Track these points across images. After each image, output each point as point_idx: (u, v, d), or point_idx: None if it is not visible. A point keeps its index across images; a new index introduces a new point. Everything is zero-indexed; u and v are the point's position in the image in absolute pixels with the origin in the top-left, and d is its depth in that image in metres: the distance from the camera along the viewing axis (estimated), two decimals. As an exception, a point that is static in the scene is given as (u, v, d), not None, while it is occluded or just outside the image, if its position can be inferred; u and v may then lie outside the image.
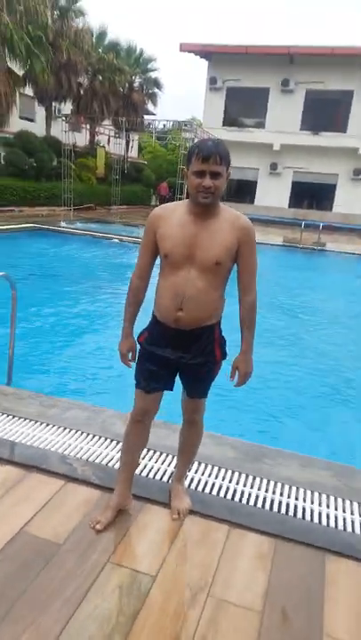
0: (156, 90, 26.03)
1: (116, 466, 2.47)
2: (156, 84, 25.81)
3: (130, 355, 2.08)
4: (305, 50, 21.06)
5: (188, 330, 1.92)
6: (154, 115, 28.73)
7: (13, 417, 2.89)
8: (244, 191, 25.64)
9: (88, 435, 2.77)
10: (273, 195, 24.68)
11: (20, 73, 17.55)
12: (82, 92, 22.31)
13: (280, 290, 9.18)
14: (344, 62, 21.18)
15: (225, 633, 1.60)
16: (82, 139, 23.74)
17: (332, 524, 2.17)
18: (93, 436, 2.77)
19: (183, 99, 60.63)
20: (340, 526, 2.15)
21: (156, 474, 2.46)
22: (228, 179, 1.84)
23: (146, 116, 26.71)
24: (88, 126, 22.40)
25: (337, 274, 12.75)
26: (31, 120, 22.55)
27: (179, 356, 1.96)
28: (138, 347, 2.07)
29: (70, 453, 2.56)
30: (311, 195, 24.56)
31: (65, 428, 2.81)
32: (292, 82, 22.38)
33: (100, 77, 22.28)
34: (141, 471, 2.45)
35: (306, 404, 4.28)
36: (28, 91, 19.73)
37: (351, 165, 23.03)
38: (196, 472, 2.50)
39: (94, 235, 14.03)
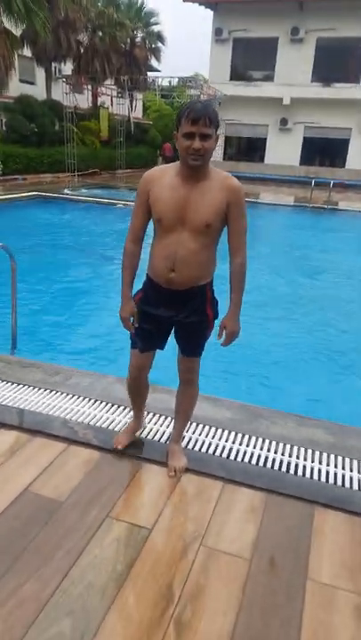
0: (159, 44, 24.99)
1: (117, 428, 2.59)
2: (160, 38, 24.74)
3: (131, 319, 2.13)
4: (315, -6, 19.88)
5: (180, 290, 1.99)
6: (158, 71, 27.71)
7: (18, 384, 2.99)
8: (253, 149, 24.94)
9: (90, 400, 2.87)
10: (283, 152, 23.94)
11: (18, 33, 16.96)
12: (82, 50, 21.53)
13: (285, 250, 9.09)
14: (357, 6, 19.98)
15: (215, 578, 1.72)
16: (84, 100, 23.08)
17: (323, 478, 2.25)
18: (95, 401, 2.86)
19: (189, 53, 58.09)
20: (331, 480, 2.24)
21: (155, 435, 2.55)
22: (217, 140, 1.86)
23: (150, 73, 25.77)
24: (90, 87, 21.71)
25: (349, 233, 12.51)
26: (31, 83, 21.93)
27: (172, 315, 2.05)
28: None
29: (73, 418, 2.67)
30: (323, 151, 23.80)
31: (68, 394, 2.91)
32: (303, 30, 21.28)
33: (101, 33, 21.42)
34: (140, 433, 2.55)
35: (309, 365, 4.33)
36: (27, 52, 19.11)
37: (364, 118, 22.14)
38: (193, 432, 2.59)
39: (99, 201, 13.88)
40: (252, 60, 23.47)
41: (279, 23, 21.48)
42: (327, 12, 20.54)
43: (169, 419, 2.69)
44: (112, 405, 2.82)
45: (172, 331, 2.16)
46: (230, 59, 23.24)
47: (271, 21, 21.59)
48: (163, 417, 2.71)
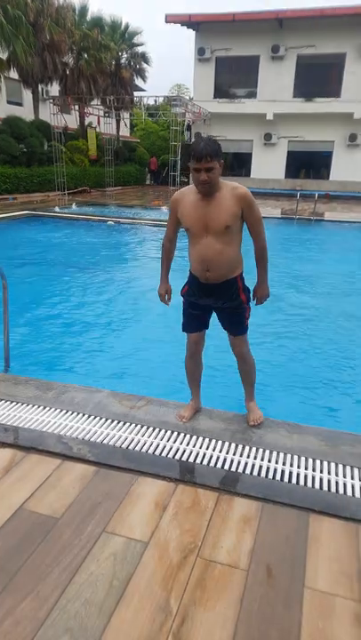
0: (144, 65, 25.43)
1: (111, 442, 2.59)
2: (144, 58, 25.20)
3: (167, 296, 2.77)
4: (294, 13, 20.43)
5: (217, 283, 2.52)
6: (144, 90, 28.17)
7: (11, 402, 2.98)
8: (239, 164, 25.29)
9: (84, 415, 2.87)
10: (269, 166, 24.33)
11: (4, 56, 17.21)
12: (68, 72, 21.85)
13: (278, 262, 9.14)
14: (334, 23, 20.58)
15: (212, 590, 1.71)
16: (72, 120, 23.40)
17: (317, 485, 2.26)
18: (89, 416, 2.86)
19: (173, 72, 59.16)
20: (325, 487, 2.24)
21: (148, 448, 2.55)
22: (222, 166, 2.33)
23: (135, 93, 26.19)
24: (77, 107, 22.00)
25: (333, 244, 12.67)
26: (19, 104, 22.20)
27: (212, 302, 2.62)
28: (181, 298, 2.73)
29: (67, 433, 2.66)
30: (307, 164, 24.20)
31: (61, 410, 2.91)
32: (283, 47, 21.80)
33: (86, 55, 21.77)
34: (135, 446, 2.55)
35: (301, 374, 4.36)
36: (13, 74, 19.35)
37: (347, 131, 22.60)
38: (187, 444, 2.59)
39: (90, 218, 13.97)
40: (235, 77, 23.97)
41: (260, 41, 22.02)
42: (306, 29, 21.11)
43: (163, 431, 2.70)
44: (106, 420, 2.82)
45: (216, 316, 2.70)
46: (214, 77, 23.70)
47: (252, 40, 22.12)
48: (155, 429, 2.72)
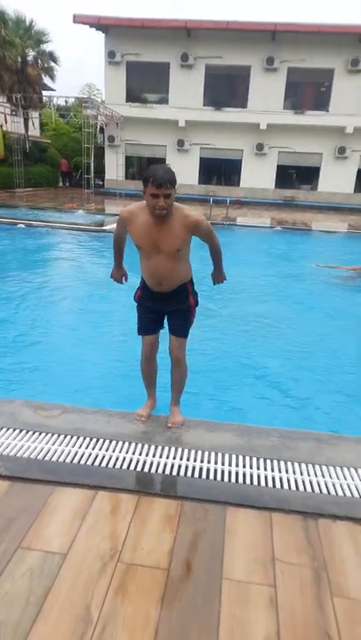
0: (52, 64, 24.70)
1: (25, 455, 2.48)
2: (52, 57, 24.43)
3: (123, 278, 2.99)
4: (200, 24, 21.09)
5: (168, 291, 2.71)
6: (53, 90, 27.36)
7: None
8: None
9: (-5, 428, 2.72)
10: (182, 172, 24.77)
11: None
12: (-30, 66, 20.61)
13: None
14: (240, 37, 21.56)
15: (133, 593, 1.71)
16: (-25, 118, 22.10)
17: (233, 479, 2.35)
18: (1, 428, 2.72)
19: (85, 73, 58.24)
20: (240, 481, 2.34)
21: (66, 458, 2.48)
22: (175, 192, 2.42)
23: (45, 92, 25.36)
24: (-19, 104, 20.83)
25: (245, 247, 13.27)
26: None
27: (163, 306, 2.79)
28: (135, 302, 2.89)
29: (-24, 449, 2.51)
30: (219, 171, 25.07)
31: (-31, 424, 2.73)
32: (192, 56, 22.39)
33: (-11, 50, 20.68)
34: (52, 457, 2.47)
35: (217, 375, 4.50)
36: None
37: (255, 140, 23.75)
38: (107, 450, 2.56)
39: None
40: (146, 82, 24.16)
41: (170, 49, 22.43)
42: (213, 40, 21.89)
43: (81, 438, 2.65)
44: (20, 431, 2.70)
45: (165, 319, 2.87)
46: (125, 81, 23.71)
47: (162, 47, 22.47)
48: (73, 438, 2.65)
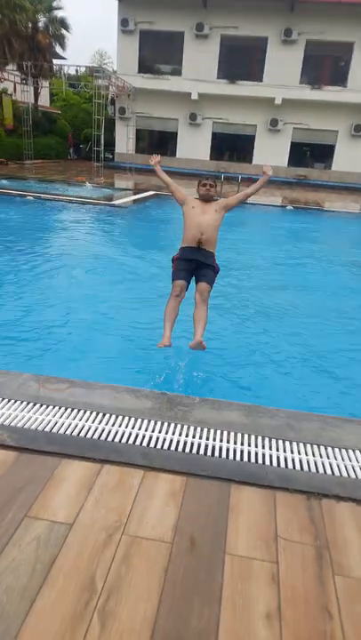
0: (63, 31, 24.09)
1: (33, 426, 2.51)
2: (63, 24, 23.86)
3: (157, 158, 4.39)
4: (218, -8, 20.37)
5: (203, 248, 3.86)
6: (64, 59, 26.74)
7: None
8: (164, 143, 25.09)
9: (3, 399, 2.74)
10: (194, 146, 24.40)
11: None
12: (-21, 31, 20.13)
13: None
14: (258, 7, 20.82)
15: (137, 565, 1.74)
16: (-15, 86, 21.70)
17: (238, 457, 2.36)
18: (9, 400, 2.74)
19: (97, 41, 56.69)
20: (245, 459, 2.35)
21: (73, 431, 2.50)
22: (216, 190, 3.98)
23: (55, 61, 24.81)
24: (-10, 71, 20.40)
25: (255, 226, 13.10)
26: None
27: (198, 257, 3.84)
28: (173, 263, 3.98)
29: (-16, 419, 2.53)
30: (232, 146, 24.60)
31: (-23, 395, 2.75)
32: (207, 26, 21.74)
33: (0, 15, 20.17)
34: (59, 429, 2.49)
35: (225, 355, 4.50)
36: None
37: (269, 116, 23.20)
38: (113, 425, 2.58)
39: (7, 192, 13.18)
40: (159, 53, 23.55)
41: (184, 18, 21.77)
42: (229, 10, 21.18)
43: (88, 412, 2.66)
44: (28, 403, 2.72)
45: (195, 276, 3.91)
46: (138, 50, 23.12)
47: (177, 15, 21.80)
48: (80, 411, 2.67)
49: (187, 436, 2.53)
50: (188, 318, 3.80)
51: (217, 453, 2.39)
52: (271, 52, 21.87)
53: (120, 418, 2.66)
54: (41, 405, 2.71)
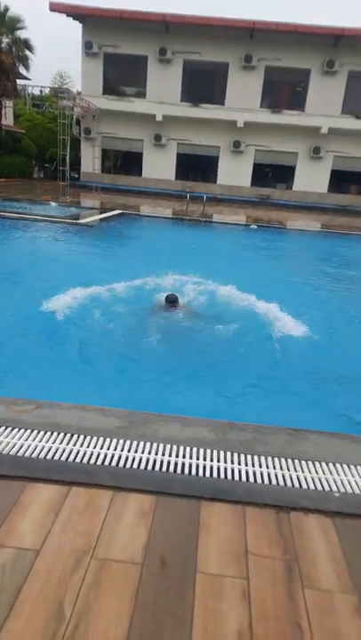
0: (27, 52, 24.18)
1: (-3, 450, 2.43)
2: (27, 45, 23.95)
3: None
4: (180, 19, 21.02)
5: None
6: (28, 79, 26.77)
7: None
8: (130, 163, 25.32)
9: (-35, 423, 2.66)
10: (160, 166, 24.73)
11: None
12: None
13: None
14: (218, 34, 21.57)
15: (107, 588, 1.70)
16: None
17: (208, 474, 2.36)
18: (-29, 424, 2.66)
19: (61, 62, 57.09)
20: (215, 475, 2.36)
21: (39, 453, 2.45)
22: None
23: (19, 81, 24.80)
24: None
25: (219, 242, 13.33)
26: None
27: None
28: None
29: None
30: (196, 167, 25.08)
31: None
32: (170, 51, 22.31)
33: None
34: (24, 452, 2.43)
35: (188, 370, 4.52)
36: None
37: (232, 138, 23.86)
38: (81, 445, 2.53)
39: (-31, 211, 12.94)
40: (124, 75, 23.95)
41: (148, 42, 22.28)
42: (192, 36, 21.85)
43: (55, 434, 2.61)
44: (-9, 427, 2.64)
45: None
46: (102, 72, 23.43)
47: (140, 40, 22.30)
48: (47, 433, 2.62)
49: (156, 454, 2.51)
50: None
51: (187, 470, 2.38)
52: (233, 76, 22.65)
53: (88, 438, 2.62)
54: (6, 428, 2.64)
